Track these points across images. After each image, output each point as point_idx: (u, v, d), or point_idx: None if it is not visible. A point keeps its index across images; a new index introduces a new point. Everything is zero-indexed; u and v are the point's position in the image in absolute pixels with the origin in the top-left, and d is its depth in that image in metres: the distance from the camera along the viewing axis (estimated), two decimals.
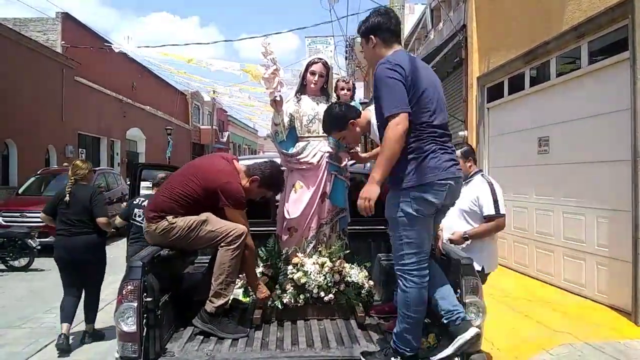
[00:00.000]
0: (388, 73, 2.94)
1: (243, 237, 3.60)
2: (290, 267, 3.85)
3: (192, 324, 3.49)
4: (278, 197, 4.42)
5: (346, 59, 29.08)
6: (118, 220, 6.14)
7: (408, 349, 2.99)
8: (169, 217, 3.59)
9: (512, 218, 8.54)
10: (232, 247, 3.55)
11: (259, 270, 3.94)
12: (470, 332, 2.89)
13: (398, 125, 2.85)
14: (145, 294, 2.85)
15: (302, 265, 3.83)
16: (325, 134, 4.06)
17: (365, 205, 2.92)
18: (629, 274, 5.62)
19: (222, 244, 3.58)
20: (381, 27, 3.18)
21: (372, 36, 3.21)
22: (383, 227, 3.91)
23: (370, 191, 2.91)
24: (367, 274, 4.02)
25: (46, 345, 5.58)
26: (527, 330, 5.39)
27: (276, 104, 4.06)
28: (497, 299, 6.30)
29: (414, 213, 2.93)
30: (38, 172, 14.48)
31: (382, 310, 3.64)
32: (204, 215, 3.65)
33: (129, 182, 6.58)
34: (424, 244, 3.01)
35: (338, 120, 3.73)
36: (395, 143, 2.85)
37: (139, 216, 5.71)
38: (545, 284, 7.38)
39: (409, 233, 2.97)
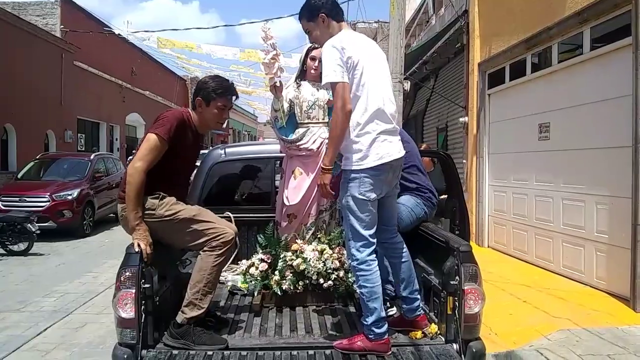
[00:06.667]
0: None
1: (231, 244, 3.25)
2: (289, 253, 3.85)
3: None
4: (277, 183, 4.39)
5: None
6: None
7: None
8: (146, 198, 3.16)
9: (512, 204, 8.56)
10: (215, 252, 3.19)
11: (257, 257, 3.93)
12: None
13: None
14: (143, 281, 2.84)
15: (302, 252, 3.83)
16: (325, 121, 4.05)
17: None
18: (627, 260, 5.62)
19: (205, 248, 3.21)
20: None
21: None
22: None
23: None
24: None
25: (46, 329, 5.59)
26: (526, 316, 5.40)
27: (276, 89, 4.03)
28: (495, 285, 6.32)
29: None
30: (37, 157, 14.47)
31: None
32: (193, 210, 3.32)
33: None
34: None
35: (309, 7, 3.32)
36: None
37: None
38: (544, 270, 7.39)
39: None
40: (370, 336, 3.03)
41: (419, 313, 3.29)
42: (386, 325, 3.08)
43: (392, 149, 3.11)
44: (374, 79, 3.11)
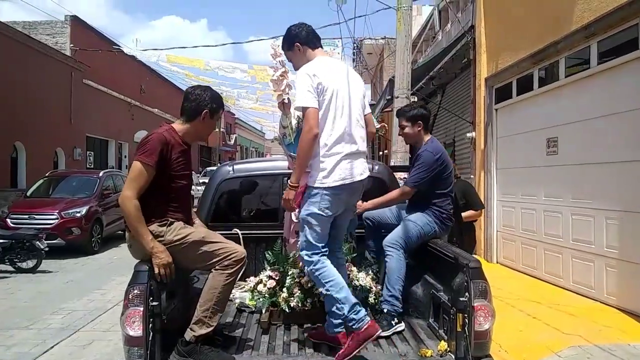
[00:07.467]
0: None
1: (242, 263, 3.29)
2: (297, 270, 3.83)
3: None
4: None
5: (354, 60, 29.09)
6: None
7: None
8: (154, 226, 3.18)
9: (521, 219, 8.51)
10: (227, 271, 3.21)
11: (265, 274, 3.92)
12: None
13: None
14: (151, 298, 2.83)
15: None
16: None
17: None
18: (638, 276, 5.56)
19: (217, 267, 3.22)
20: None
21: None
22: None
23: None
24: (374, 276, 4.00)
25: (53, 346, 5.60)
26: (536, 333, 5.35)
27: (284, 106, 4.04)
28: (505, 301, 6.26)
29: None
30: (46, 175, 14.57)
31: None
32: (202, 232, 3.36)
33: None
34: None
35: (287, 38, 3.57)
36: None
37: None
38: (554, 286, 7.32)
39: None
40: (354, 327, 3.11)
41: (340, 330, 3.31)
42: (363, 310, 3.18)
43: (354, 171, 3.30)
44: (343, 103, 3.31)
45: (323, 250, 3.32)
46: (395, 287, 3.74)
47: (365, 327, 3.09)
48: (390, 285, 3.76)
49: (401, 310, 3.74)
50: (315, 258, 3.29)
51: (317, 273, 3.28)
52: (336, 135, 3.25)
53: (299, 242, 3.39)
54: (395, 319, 3.61)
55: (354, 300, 3.20)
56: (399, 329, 3.56)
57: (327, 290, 3.23)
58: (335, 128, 3.25)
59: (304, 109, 3.20)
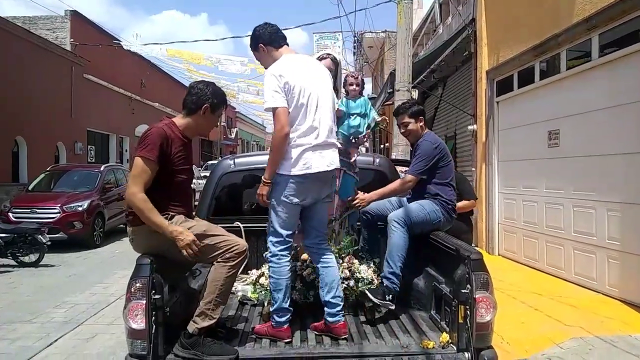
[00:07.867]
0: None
1: (244, 255, 3.28)
2: (299, 263, 3.85)
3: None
4: None
5: (354, 54, 29.08)
6: None
7: None
8: None
9: (522, 212, 8.52)
10: (229, 263, 3.22)
11: (267, 266, 3.92)
12: None
13: None
14: (153, 292, 2.84)
15: (311, 262, 3.82)
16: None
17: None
18: None
19: (218, 259, 3.23)
20: None
21: None
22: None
23: None
24: (376, 269, 4.01)
25: (56, 340, 5.62)
26: (538, 324, 5.36)
27: None
28: (507, 293, 6.27)
29: None
30: (48, 169, 14.58)
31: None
32: (203, 225, 3.34)
33: None
34: None
35: (251, 39, 3.64)
36: None
37: None
38: (556, 278, 7.34)
39: None
40: (272, 323, 3.36)
41: (338, 319, 3.37)
42: (287, 317, 3.37)
43: (320, 162, 3.38)
44: (310, 98, 3.38)
45: (288, 239, 3.46)
46: (397, 264, 3.78)
47: (277, 329, 3.33)
48: (391, 260, 3.80)
49: (399, 290, 3.77)
50: (276, 250, 3.44)
51: (270, 264, 3.46)
52: (303, 129, 3.34)
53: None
54: (391, 295, 3.67)
55: (285, 306, 3.37)
56: (390, 306, 3.64)
57: (270, 283, 3.46)
58: (304, 122, 3.35)
59: (273, 110, 3.30)
